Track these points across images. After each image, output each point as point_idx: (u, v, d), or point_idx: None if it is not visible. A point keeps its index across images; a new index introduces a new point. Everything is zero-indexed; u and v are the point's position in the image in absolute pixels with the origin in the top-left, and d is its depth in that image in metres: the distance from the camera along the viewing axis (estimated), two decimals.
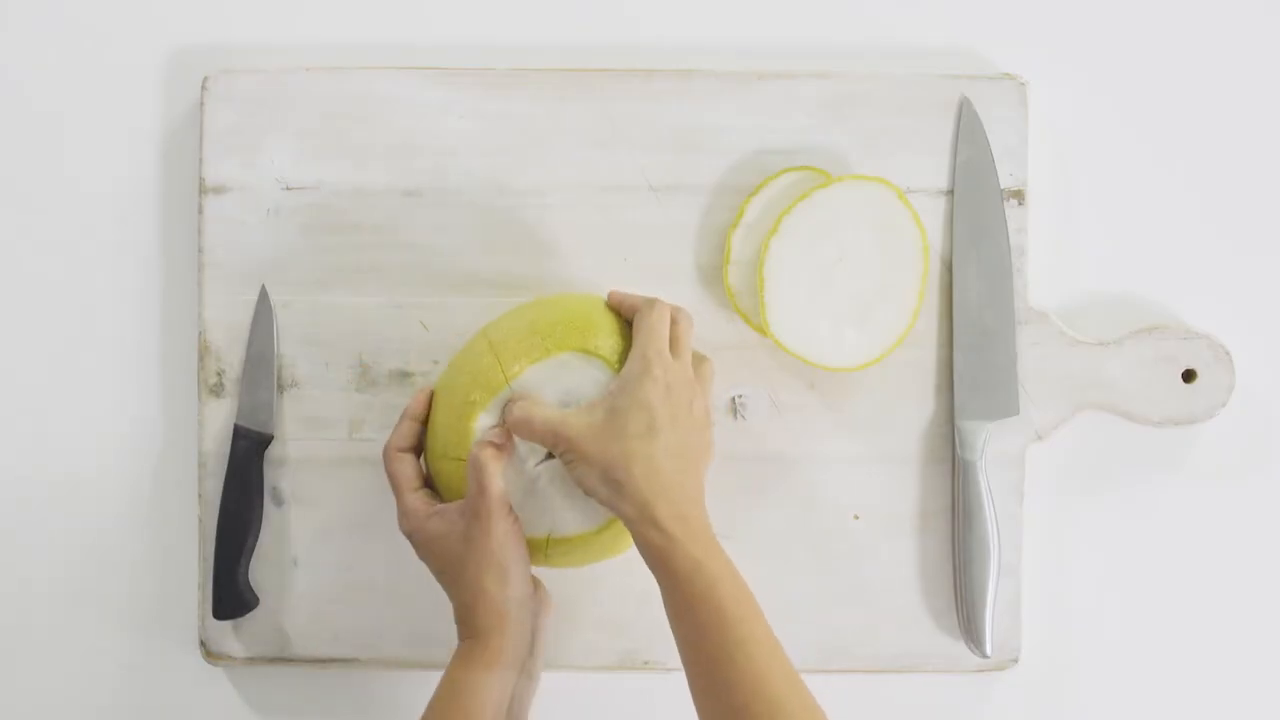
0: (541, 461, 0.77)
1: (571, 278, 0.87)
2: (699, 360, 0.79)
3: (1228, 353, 0.86)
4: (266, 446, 0.86)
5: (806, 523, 0.87)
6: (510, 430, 0.76)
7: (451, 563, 0.76)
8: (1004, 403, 0.86)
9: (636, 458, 0.72)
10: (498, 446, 0.75)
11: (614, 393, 0.74)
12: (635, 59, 0.88)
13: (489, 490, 0.74)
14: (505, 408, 0.76)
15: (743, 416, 0.87)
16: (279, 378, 0.87)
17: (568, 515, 0.77)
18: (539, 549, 0.77)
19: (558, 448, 0.74)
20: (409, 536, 0.78)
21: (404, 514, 0.78)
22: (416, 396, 0.79)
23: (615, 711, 0.89)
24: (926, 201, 0.87)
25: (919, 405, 0.87)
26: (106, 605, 0.89)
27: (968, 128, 0.86)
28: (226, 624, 0.87)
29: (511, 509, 0.75)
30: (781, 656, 0.71)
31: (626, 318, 0.79)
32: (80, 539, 0.89)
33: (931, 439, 0.87)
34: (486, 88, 0.87)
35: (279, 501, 0.87)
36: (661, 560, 0.72)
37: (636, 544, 0.73)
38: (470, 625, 0.76)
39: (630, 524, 0.73)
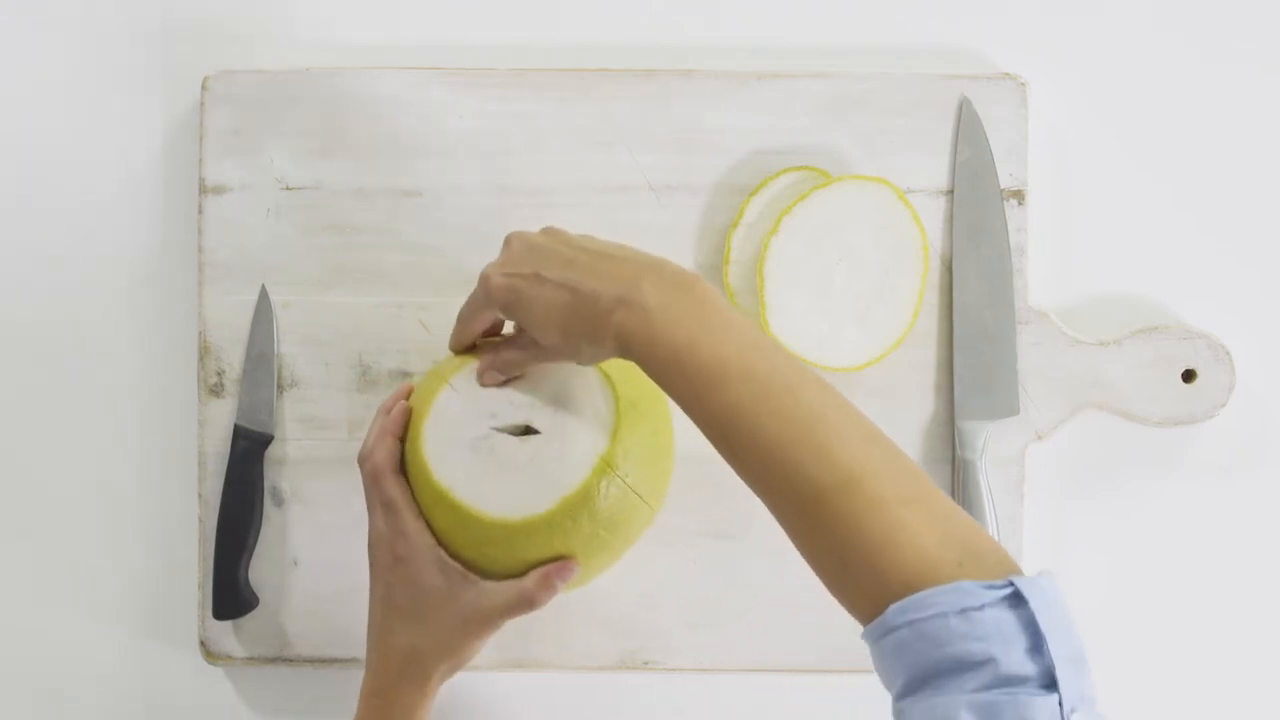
0: (503, 429, 0.76)
1: None
2: None
3: (1228, 353, 0.86)
4: (266, 446, 0.86)
5: None
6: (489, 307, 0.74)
7: (420, 617, 0.76)
8: (1004, 403, 0.86)
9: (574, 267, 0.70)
10: (548, 591, 0.75)
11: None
12: (635, 59, 0.88)
13: (510, 618, 0.75)
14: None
15: None
16: (279, 378, 0.87)
17: (476, 485, 0.75)
18: (431, 493, 0.75)
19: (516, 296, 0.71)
20: (399, 558, 0.76)
21: (402, 534, 0.75)
22: (396, 414, 0.77)
23: (615, 711, 0.89)
24: (926, 201, 0.87)
25: (919, 405, 0.87)
26: (107, 605, 0.89)
27: (968, 128, 0.86)
28: (226, 624, 0.87)
29: None
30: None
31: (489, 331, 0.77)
32: (80, 539, 0.89)
33: (931, 439, 0.87)
34: (487, 88, 0.87)
35: (279, 501, 0.87)
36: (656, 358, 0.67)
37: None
38: (401, 675, 0.76)
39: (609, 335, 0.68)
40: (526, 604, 0.75)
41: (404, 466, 0.77)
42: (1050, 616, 0.56)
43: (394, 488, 0.76)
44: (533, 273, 0.70)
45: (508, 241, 0.73)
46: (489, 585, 0.75)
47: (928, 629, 0.57)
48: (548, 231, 0.74)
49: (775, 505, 0.65)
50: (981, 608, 0.56)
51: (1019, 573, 0.59)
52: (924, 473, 0.63)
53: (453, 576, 0.75)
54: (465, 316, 0.77)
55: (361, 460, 0.78)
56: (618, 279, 0.68)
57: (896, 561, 0.59)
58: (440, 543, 0.76)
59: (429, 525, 0.76)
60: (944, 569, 0.58)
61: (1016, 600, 0.57)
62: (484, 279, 0.73)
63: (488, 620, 0.75)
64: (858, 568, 0.60)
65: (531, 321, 0.71)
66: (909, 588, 0.58)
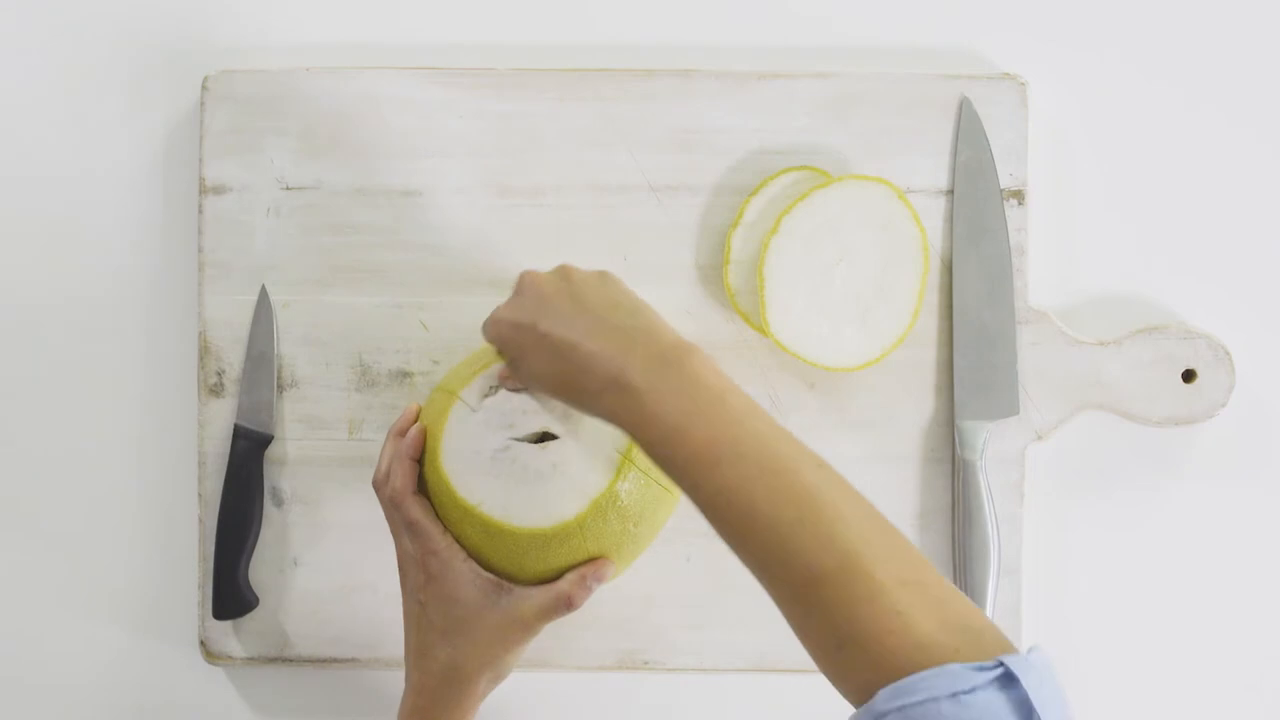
0: (521, 439, 0.76)
1: None
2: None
3: (1228, 353, 0.86)
4: (266, 446, 0.86)
5: None
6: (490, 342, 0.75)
7: (458, 632, 0.76)
8: (1004, 403, 0.86)
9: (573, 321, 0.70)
10: (585, 592, 0.75)
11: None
12: (635, 59, 0.88)
13: (548, 621, 0.75)
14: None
15: None
16: (279, 378, 0.87)
17: (503, 498, 0.75)
18: (458, 510, 0.76)
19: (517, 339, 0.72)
20: (433, 577, 0.76)
21: (432, 553, 0.75)
22: (412, 437, 0.77)
23: (615, 711, 0.89)
24: (926, 201, 0.87)
25: (919, 405, 0.87)
26: (106, 605, 0.89)
27: (968, 128, 0.86)
28: (226, 624, 0.87)
29: None
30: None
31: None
32: (80, 539, 0.89)
33: (931, 439, 0.87)
34: (486, 88, 0.87)
35: (279, 501, 0.87)
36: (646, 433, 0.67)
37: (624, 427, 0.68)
38: (443, 693, 0.76)
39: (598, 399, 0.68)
40: (565, 605, 0.75)
41: (422, 486, 0.77)
42: (1044, 693, 0.55)
43: (415, 509, 0.76)
44: (532, 324, 0.71)
45: (518, 282, 0.74)
46: (524, 591, 0.76)
47: (918, 714, 0.55)
48: (559, 275, 0.74)
49: (771, 587, 0.64)
50: (972, 690, 0.55)
51: (1013, 652, 0.58)
52: (920, 553, 0.63)
53: (486, 588, 0.75)
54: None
55: (378, 486, 0.78)
56: (610, 356, 0.67)
57: (891, 647, 0.58)
58: (471, 557, 0.76)
59: (457, 541, 0.76)
60: (939, 654, 0.57)
61: (1008, 680, 0.56)
62: (490, 320, 0.74)
63: (527, 627, 0.76)
64: (852, 653, 0.59)
65: (527, 376, 0.72)
66: (901, 673, 0.57)
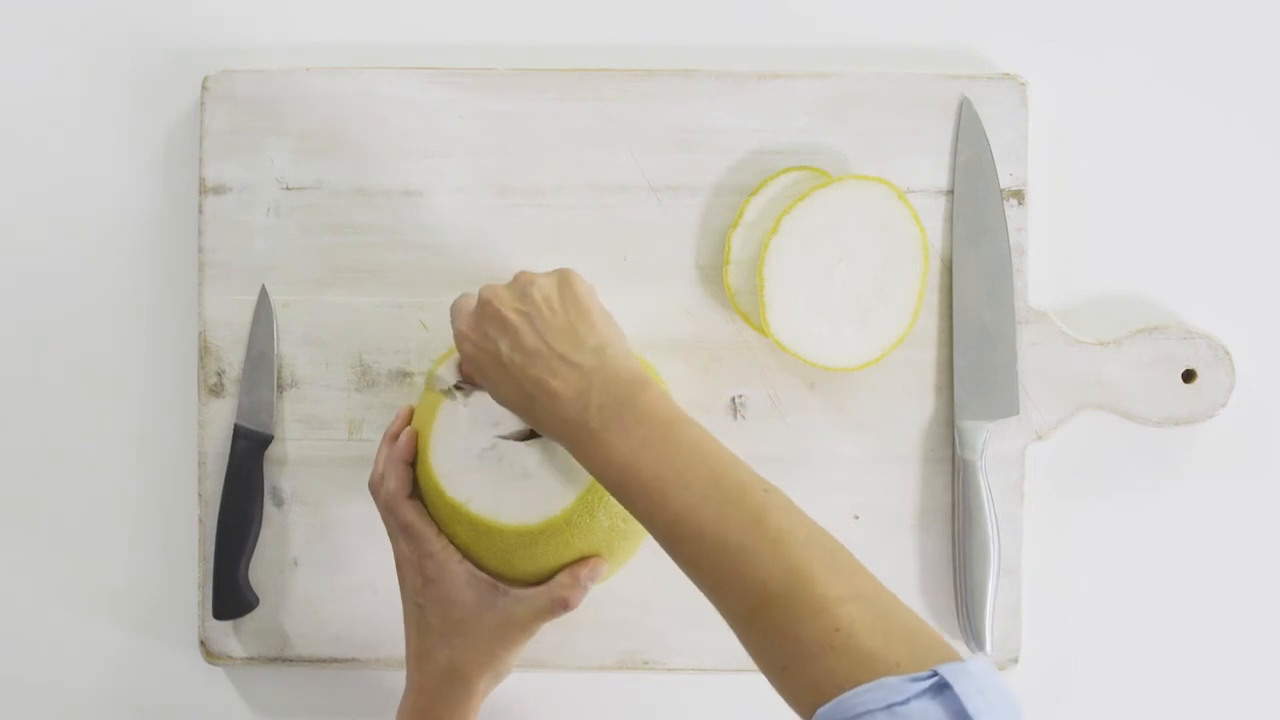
0: (508, 437, 0.76)
1: None
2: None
3: (1228, 353, 0.86)
4: (266, 446, 0.86)
5: None
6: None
7: (456, 633, 0.76)
8: (1004, 403, 0.86)
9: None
10: (579, 590, 0.76)
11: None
12: (635, 59, 0.88)
13: (545, 621, 0.76)
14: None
15: (743, 416, 0.87)
16: (279, 378, 0.87)
17: (490, 495, 0.75)
18: (447, 509, 0.76)
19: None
20: (429, 579, 0.76)
21: (428, 555, 0.76)
22: (403, 441, 0.77)
23: (615, 711, 0.89)
24: (926, 201, 0.87)
25: (919, 405, 0.87)
26: (106, 605, 0.89)
27: (968, 128, 0.86)
28: (226, 624, 0.87)
29: None
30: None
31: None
32: (80, 539, 0.89)
33: (931, 439, 0.87)
34: (486, 88, 0.87)
35: (279, 501, 0.87)
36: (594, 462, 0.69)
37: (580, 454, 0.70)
38: (443, 694, 0.76)
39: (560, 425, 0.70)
40: (560, 605, 0.75)
41: (416, 488, 0.78)
42: (983, 700, 0.56)
43: (410, 512, 0.76)
44: (494, 351, 0.72)
45: (481, 301, 0.74)
46: (520, 593, 0.76)
47: None
48: (519, 295, 0.73)
49: (724, 612, 0.65)
50: (906, 701, 0.55)
51: (954, 660, 0.58)
52: (865, 568, 0.63)
53: (483, 589, 0.76)
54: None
55: (374, 490, 0.78)
56: (569, 400, 0.69)
57: (830, 665, 0.59)
58: (465, 557, 0.76)
59: (451, 542, 0.76)
60: (881, 668, 0.57)
61: (940, 689, 0.56)
62: (457, 335, 0.74)
63: (524, 627, 0.76)
64: (796, 673, 0.60)
65: (495, 398, 0.73)
66: (841, 690, 0.57)
